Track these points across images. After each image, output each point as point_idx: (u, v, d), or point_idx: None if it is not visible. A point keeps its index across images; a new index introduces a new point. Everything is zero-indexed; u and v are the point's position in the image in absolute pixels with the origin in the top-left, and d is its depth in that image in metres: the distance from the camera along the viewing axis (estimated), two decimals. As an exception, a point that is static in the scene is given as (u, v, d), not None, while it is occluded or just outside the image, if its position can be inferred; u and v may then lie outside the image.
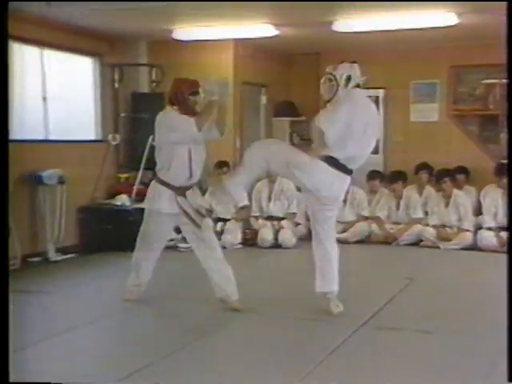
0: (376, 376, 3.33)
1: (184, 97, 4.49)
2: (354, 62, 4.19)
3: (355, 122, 4.05)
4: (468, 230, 7.14)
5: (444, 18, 6.36)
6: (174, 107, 4.55)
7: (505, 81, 4.91)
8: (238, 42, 7.77)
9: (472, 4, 5.73)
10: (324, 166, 4.09)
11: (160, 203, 4.55)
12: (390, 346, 3.83)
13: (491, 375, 3.24)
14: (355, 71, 4.13)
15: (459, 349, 3.73)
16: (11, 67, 6.45)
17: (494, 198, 7.10)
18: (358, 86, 4.13)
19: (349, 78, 4.08)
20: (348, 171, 4.18)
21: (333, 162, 4.08)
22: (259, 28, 7.00)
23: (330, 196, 4.23)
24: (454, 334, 4.05)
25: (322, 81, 4.20)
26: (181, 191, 4.52)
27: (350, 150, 4.07)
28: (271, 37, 7.18)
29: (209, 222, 4.85)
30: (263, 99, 8.85)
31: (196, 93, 4.56)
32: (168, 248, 6.90)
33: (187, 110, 4.48)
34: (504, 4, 2.95)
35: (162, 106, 7.71)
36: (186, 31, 7.19)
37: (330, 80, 4.11)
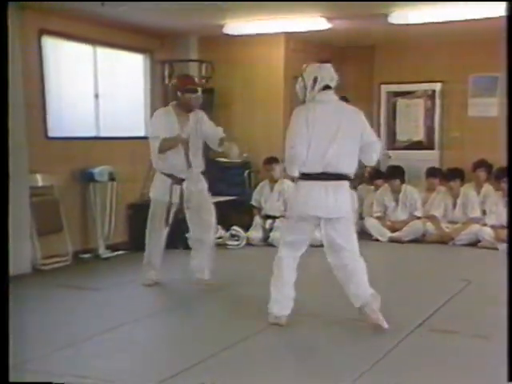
0: (428, 380, 3.27)
1: (178, 94, 4.91)
2: (327, 62, 4.08)
3: (316, 129, 3.89)
4: (528, 231, 6.82)
5: (507, 6, 6.06)
6: (173, 103, 4.97)
7: None
8: (289, 36, 7.65)
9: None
10: (300, 184, 4.04)
11: (155, 191, 5.07)
12: (444, 349, 3.73)
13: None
14: (324, 72, 3.97)
15: None
16: (65, 66, 6.53)
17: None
18: (327, 87, 3.96)
19: (315, 80, 3.93)
20: (329, 176, 3.93)
21: (307, 177, 3.97)
22: (311, 21, 6.86)
23: (312, 214, 3.98)
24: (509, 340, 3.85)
25: (298, 81, 4.09)
26: (177, 180, 4.92)
27: (316, 159, 3.90)
28: (323, 30, 7.03)
29: (210, 205, 5.18)
30: (315, 94, 8.68)
31: (191, 90, 4.88)
32: (217, 245, 6.95)
33: (183, 105, 4.90)
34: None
35: (211, 102, 7.81)
36: (236, 26, 7.11)
37: (301, 81, 4.01)
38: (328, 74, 3.98)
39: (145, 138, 7.56)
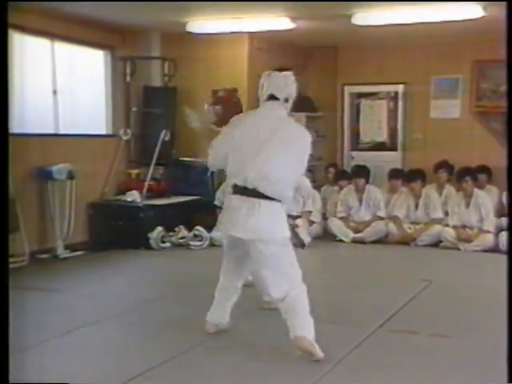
0: (390, 380, 3.26)
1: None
2: (288, 69, 3.58)
3: (240, 140, 3.47)
4: (489, 232, 6.92)
5: (469, 10, 6.14)
6: None
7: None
8: (253, 35, 7.61)
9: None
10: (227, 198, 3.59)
11: None
12: (406, 349, 3.73)
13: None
14: (270, 80, 3.50)
15: (476, 354, 3.62)
16: (20, 60, 6.35)
17: (517, 198, 6.86)
18: (272, 97, 3.49)
19: (262, 88, 3.54)
20: (254, 193, 3.40)
21: (232, 190, 3.51)
22: (275, 21, 6.84)
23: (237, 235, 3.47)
24: (471, 338, 3.93)
25: None
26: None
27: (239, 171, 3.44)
28: (288, 30, 7.01)
29: None
30: (278, 94, 8.65)
31: (216, 103, 4.54)
32: (179, 246, 6.88)
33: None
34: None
35: (174, 101, 7.73)
36: (199, 24, 7.05)
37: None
38: (275, 82, 3.49)
39: (106, 136, 7.51)
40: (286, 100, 3.51)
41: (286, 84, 3.50)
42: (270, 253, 3.41)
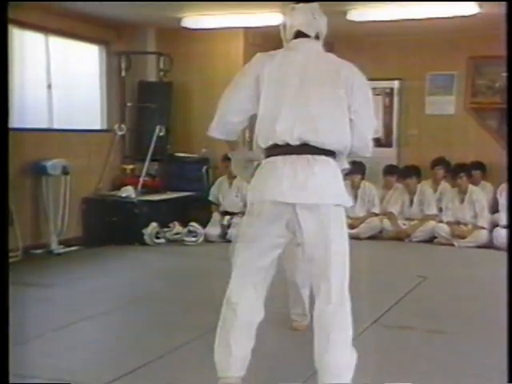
0: (383, 375, 3.23)
1: None
2: (307, 1, 2.85)
3: (273, 85, 2.72)
4: (483, 228, 6.95)
5: (464, 7, 6.15)
6: None
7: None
8: (248, 31, 7.59)
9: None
10: (261, 165, 2.77)
11: None
12: (400, 345, 3.73)
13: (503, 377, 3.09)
14: (295, 16, 2.81)
15: (471, 350, 3.62)
16: (14, 53, 6.33)
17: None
18: (300, 34, 2.80)
19: (284, 27, 2.87)
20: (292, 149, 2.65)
21: (268, 152, 2.72)
22: (270, 16, 6.81)
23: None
24: (467, 334, 3.93)
25: None
26: None
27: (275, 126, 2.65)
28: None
29: None
30: (274, 89, 8.63)
31: None
32: (174, 242, 6.88)
33: None
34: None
35: (169, 96, 7.71)
36: (195, 19, 7.05)
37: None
38: (302, 16, 2.79)
39: (100, 131, 7.49)
40: (317, 37, 2.83)
41: (315, 17, 2.83)
42: (332, 220, 2.65)
